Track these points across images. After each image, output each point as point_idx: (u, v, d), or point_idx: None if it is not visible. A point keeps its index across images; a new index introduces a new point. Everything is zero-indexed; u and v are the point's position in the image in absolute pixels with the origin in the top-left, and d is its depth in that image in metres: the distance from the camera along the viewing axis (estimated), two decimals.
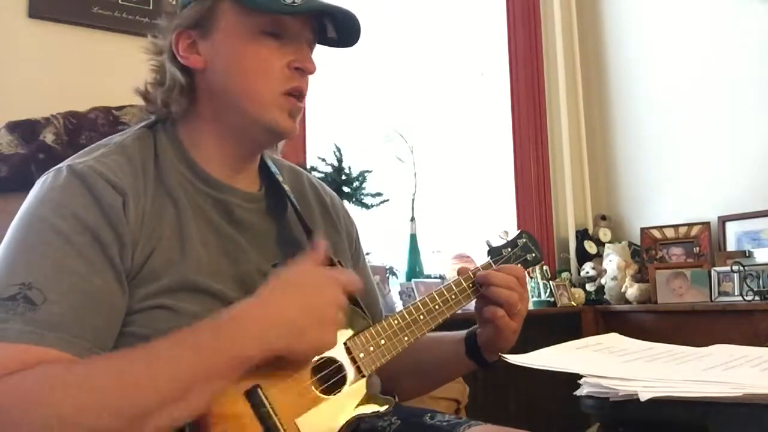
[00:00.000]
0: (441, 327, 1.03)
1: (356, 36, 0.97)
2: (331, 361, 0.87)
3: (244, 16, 0.90)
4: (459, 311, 1.04)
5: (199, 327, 0.76)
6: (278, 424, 0.78)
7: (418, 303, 1.00)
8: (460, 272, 1.06)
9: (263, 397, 0.78)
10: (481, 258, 1.11)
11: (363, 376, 0.89)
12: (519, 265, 1.10)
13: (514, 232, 1.17)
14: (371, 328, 0.93)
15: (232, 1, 0.90)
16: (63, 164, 0.84)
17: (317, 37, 0.97)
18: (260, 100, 0.90)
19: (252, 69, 0.90)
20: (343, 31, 0.96)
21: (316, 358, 0.86)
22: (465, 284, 1.04)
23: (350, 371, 0.88)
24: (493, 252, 1.12)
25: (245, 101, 0.91)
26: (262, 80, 0.90)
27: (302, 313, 0.79)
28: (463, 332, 1.09)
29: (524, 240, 1.14)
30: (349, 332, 0.91)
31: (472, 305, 1.07)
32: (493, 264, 1.09)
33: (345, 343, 0.90)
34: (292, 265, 0.85)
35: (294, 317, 0.79)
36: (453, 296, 1.03)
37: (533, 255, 1.14)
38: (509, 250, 1.12)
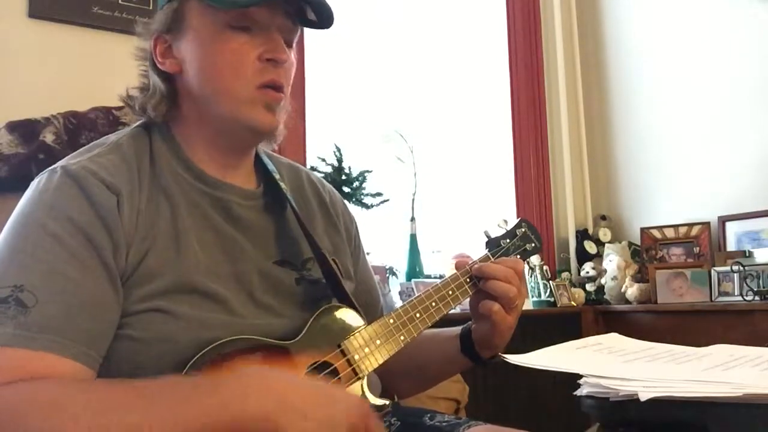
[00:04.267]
0: (438, 324, 1.02)
1: (328, 16, 0.93)
2: (326, 364, 0.86)
3: (209, 13, 0.89)
4: (458, 309, 1.03)
5: (210, 380, 0.73)
6: None
7: (415, 301, 0.98)
8: (457, 266, 1.03)
9: None
10: None
11: (359, 378, 0.88)
12: (518, 256, 1.08)
13: (513, 221, 1.14)
14: (367, 328, 0.92)
15: (197, 0, 0.89)
16: (57, 165, 0.84)
17: (297, 21, 0.94)
18: (235, 98, 0.89)
19: (223, 65, 0.88)
20: (316, 12, 0.93)
21: (311, 362, 0.85)
22: (462, 279, 1.02)
23: (345, 374, 0.87)
24: (491, 243, 1.09)
25: (221, 101, 0.89)
26: (235, 76, 0.88)
27: (319, 418, 0.71)
28: (458, 328, 1.08)
29: (523, 229, 1.12)
30: (346, 332, 0.91)
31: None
32: (491, 256, 1.06)
33: (340, 345, 0.89)
34: (342, 388, 0.82)
35: (311, 415, 0.71)
36: (450, 292, 1.01)
37: (533, 245, 1.11)
38: (508, 240, 1.09)
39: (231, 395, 0.69)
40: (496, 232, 1.11)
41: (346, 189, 2.27)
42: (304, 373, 0.84)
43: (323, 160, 2.32)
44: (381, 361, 0.91)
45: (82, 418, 0.67)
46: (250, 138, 0.95)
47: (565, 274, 2.88)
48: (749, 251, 2.49)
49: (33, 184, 0.84)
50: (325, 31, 0.97)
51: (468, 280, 1.02)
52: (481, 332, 1.03)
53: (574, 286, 2.80)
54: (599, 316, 2.68)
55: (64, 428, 0.66)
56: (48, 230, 0.77)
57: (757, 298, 2.28)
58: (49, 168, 0.84)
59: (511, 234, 1.11)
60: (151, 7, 1.89)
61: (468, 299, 1.04)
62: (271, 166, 1.02)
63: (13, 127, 1.27)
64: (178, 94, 0.93)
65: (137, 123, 0.96)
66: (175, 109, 0.94)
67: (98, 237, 0.79)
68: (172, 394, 0.70)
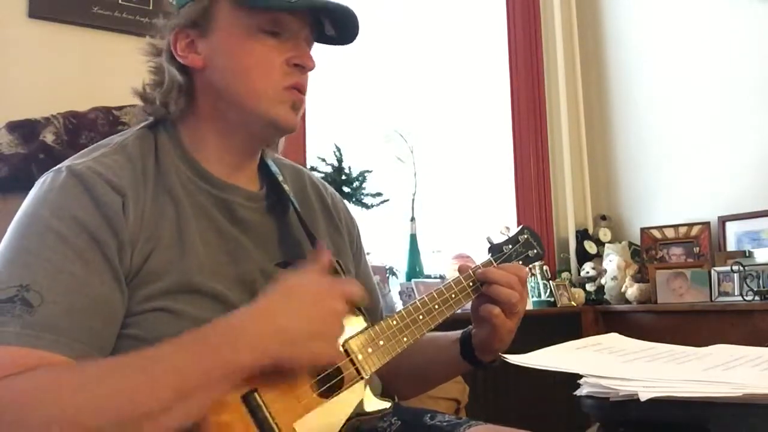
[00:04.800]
0: (441, 326, 1.03)
1: (354, 32, 0.97)
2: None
3: (242, 14, 0.90)
4: (459, 311, 1.04)
5: (199, 334, 0.75)
6: (275, 428, 0.78)
7: (418, 303, 0.98)
8: (460, 270, 1.04)
9: (260, 402, 0.78)
10: (482, 258, 1.10)
11: (362, 378, 0.88)
12: (520, 262, 1.09)
13: (515, 227, 1.15)
14: (370, 329, 0.92)
15: (230, 0, 0.90)
16: (62, 165, 0.84)
17: (315, 35, 0.96)
18: (262, 96, 0.90)
19: (252, 66, 0.90)
20: (341, 28, 0.96)
21: None
22: (465, 283, 1.03)
23: (348, 373, 0.87)
24: (494, 249, 1.10)
25: (247, 98, 0.90)
26: (263, 77, 0.90)
27: (302, 324, 0.78)
28: (458, 332, 1.08)
29: (526, 236, 1.13)
30: (349, 333, 0.91)
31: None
32: (494, 262, 1.07)
33: (343, 345, 0.89)
34: (294, 273, 0.83)
35: (294, 328, 0.78)
36: (453, 295, 1.01)
37: (535, 251, 1.12)
38: (510, 246, 1.10)
39: (226, 346, 0.74)
40: (499, 239, 1.12)
41: (346, 189, 2.27)
42: (306, 372, 0.84)
43: (323, 160, 2.32)
44: (383, 362, 0.91)
45: (83, 387, 0.69)
46: (267, 135, 0.97)
47: (565, 274, 2.88)
48: (749, 251, 2.49)
49: (38, 184, 0.84)
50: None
51: (470, 283, 1.03)
52: (481, 336, 1.03)
53: (574, 286, 2.80)
54: (599, 316, 2.68)
55: (64, 409, 0.68)
56: (53, 229, 0.77)
57: (757, 298, 2.28)
58: (54, 168, 0.85)
59: (513, 240, 1.12)
60: (151, 7, 1.89)
61: (470, 302, 1.04)
62: (274, 168, 1.03)
63: (13, 127, 1.27)
64: (195, 88, 0.94)
65: (142, 124, 0.96)
66: (190, 105, 0.94)
67: (103, 237, 0.79)
68: (171, 355, 0.73)
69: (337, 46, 1.00)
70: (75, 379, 0.70)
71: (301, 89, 0.93)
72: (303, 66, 0.92)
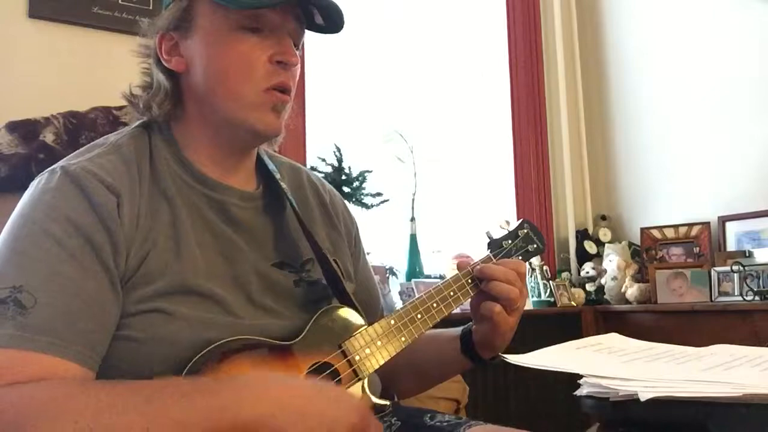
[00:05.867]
0: (439, 325, 1.02)
1: (340, 20, 0.93)
2: (326, 365, 0.86)
3: (220, 13, 0.88)
4: (458, 310, 1.03)
5: (207, 385, 0.72)
6: None
7: (416, 302, 0.98)
8: (459, 267, 1.03)
9: None
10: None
11: (360, 379, 0.88)
12: (520, 257, 1.08)
13: (515, 222, 1.13)
14: (368, 329, 0.92)
15: (209, 0, 0.89)
16: (57, 165, 0.84)
17: (305, 24, 0.94)
18: (242, 101, 0.89)
19: (233, 67, 0.88)
20: (326, 17, 0.93)
21: (312, 363, 0.85)
22: (464, 280, 1.02)
23: (346, 374, 0.87)
24: (493, 245, 1.09)
25: (227, 103, 0.89)
26: (244, 78, 0.88)
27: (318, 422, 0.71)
28: (459, 329, 1.07)
29: (525, 230, 1.11)
30: (347, 333, 0.90)
31: None
32: (493, 258, 1.06)
33: (341, 346, 0.89)
34: (343, 391, 0.80)
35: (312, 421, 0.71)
36: (452, 293, 1.00)
37: (535, 246, 1.11)
38: (510, 242, 1.09)
39: (229, 399, 0.69)
40: (498, 233, 1.11)
41: (346, 189, 2.27)
42: (305, 374, 0.84)
43: (323, 160, 2.32)
44: (382, 362, 0.91)
45: (81, 420, 0.66)
46: (252, 140, 0.95)
47: (565, 274, 2.88)
48: (749, 251, 2.49)
49: (32, 185, 0.83)
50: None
51: (469, 281, 1.02)
52: (482, 333, 1.03)
53: (574, 286, 2.80)
54: (599, 316, 2.68)
55: (65, 430, 0.66)
56: (47, 231, 0.77)
57: (757, 298, 2.28)
58: (49, 168, 0.84)
59: (513, 235, 1.10)
60: (151, 7, 1.89)
61: (469, 300, 1.04)
62: (271, 166, 1.02)
63: (13, 127, 1.27)
64: (182, 93, 0.93)
65: (137, 123, 0.95)
66: (179, 108, 0.93)
67: (98, 238, 0.79)
68: (171, 395, 0.69)
69: (330, 37, 0.97)
70: (75, 404, 0.68)
71: (284, 88, 0.91)
72: (286, 63, 0.90)
